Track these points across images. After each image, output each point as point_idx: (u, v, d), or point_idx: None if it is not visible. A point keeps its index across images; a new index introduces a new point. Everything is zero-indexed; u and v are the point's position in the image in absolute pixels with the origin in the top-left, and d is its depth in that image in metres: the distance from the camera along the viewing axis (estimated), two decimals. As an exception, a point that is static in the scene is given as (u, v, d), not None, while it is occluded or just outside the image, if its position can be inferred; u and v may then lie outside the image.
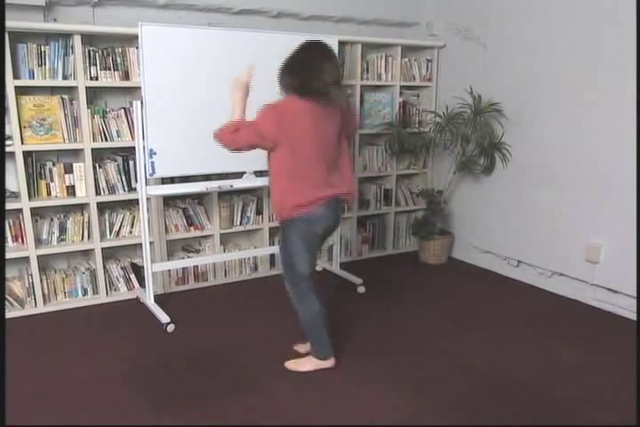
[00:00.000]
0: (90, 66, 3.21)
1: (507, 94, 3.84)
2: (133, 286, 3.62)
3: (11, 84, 3.00)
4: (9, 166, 3.19)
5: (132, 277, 3.61)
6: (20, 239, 3.29)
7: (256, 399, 2.43)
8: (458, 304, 3.53)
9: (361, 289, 3.72)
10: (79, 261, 3.60)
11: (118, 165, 3.44)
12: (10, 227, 3.25)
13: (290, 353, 2.84)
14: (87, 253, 3.59)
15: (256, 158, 3.37)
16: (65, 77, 3.18)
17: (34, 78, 3.11)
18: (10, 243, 3.27)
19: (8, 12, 2.77)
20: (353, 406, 2.38)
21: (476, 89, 3.92)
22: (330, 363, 2.67)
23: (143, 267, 3.35)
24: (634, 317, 3.26)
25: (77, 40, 3.12)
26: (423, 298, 3.63)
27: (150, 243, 3.32)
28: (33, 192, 3.24)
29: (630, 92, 3.09)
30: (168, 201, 3.68)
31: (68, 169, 3.32)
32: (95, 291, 3.52)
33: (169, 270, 3.68)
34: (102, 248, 3.45)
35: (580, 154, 3.44)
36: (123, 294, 3.60)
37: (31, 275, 3.29)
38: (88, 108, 3.24)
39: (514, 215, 3.95)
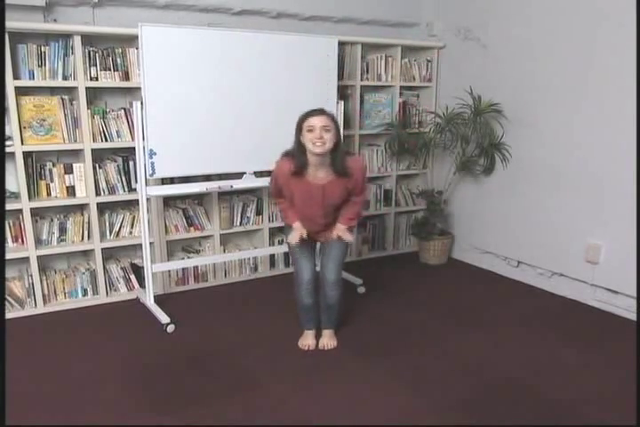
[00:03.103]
0: (90, 66, 3.21)
1: (507, 95, 3.84)
2: (133, 287, 3.62)
3: (11, 84, 3.01)
4: (9, 167, 3.19)
5: (132, 277, 3.61)
6: (19, 240, 3.29)
7: (256, 399, 2.42)
8: (458, 304, 3.53)
9: (361, 289, 3.72)
10: (79, 261, 3.60)
11: (118, 166, 3.44)
12: (10, 227, 3.25)
13: (290, 353, 2.85)
14: (87, 254, 3.59)
15: (256, 159, 3.39)
16: (65, 78, 3.18)
17: (34, 79, 3.11)
18: (10, 243, 3.27)
19: (8, 13, 2.77)
20: (353, 406, 2.38)
21: (476, 89, 3.92)
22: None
23: (143, 267, 3.35)
24: (634, 317, 3.26)
25: (77, 40, 3.12)
26: (423, 298, 3.63)
27: (150, 243, 3.32)
28: (33, 193, 3.24)
29: (630, 92, 3.09)
30: (168, 201, 3.68)
31: (68, 169, 3.32)
32: (95, 291, 3.52)
33: (169, 271, 3.68)
34: (102, 249, 3.45)
35: (581, 154, 3.44)
36: (123, 294, 3.60)
37: (31, 275, 3.29)
38: (88, 108, 3.24)
39: (514, 216, 3.95)
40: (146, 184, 3.16)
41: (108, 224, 3.50)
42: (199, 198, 3.81)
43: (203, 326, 3.18)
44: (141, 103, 3.01)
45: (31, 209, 3.21)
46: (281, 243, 4.02)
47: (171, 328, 3.10)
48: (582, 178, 3.46)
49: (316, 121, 2.49)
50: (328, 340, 2.94)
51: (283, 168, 2.64)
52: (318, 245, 2.97)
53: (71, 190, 3.35)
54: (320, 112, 2.53)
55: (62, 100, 3.22)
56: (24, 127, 3.12)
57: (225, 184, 3.40)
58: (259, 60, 3.26)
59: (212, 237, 3.79)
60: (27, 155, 3.17)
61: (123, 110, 3.37)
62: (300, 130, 2.54)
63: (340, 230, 2.77)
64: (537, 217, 3.78)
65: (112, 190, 3.45)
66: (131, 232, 3.57)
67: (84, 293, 3.50)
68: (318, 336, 2.96)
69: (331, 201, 2.69)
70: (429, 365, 2.74)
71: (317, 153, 2.51)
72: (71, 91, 3.26)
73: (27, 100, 3.12)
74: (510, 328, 3.17)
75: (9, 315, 3.26)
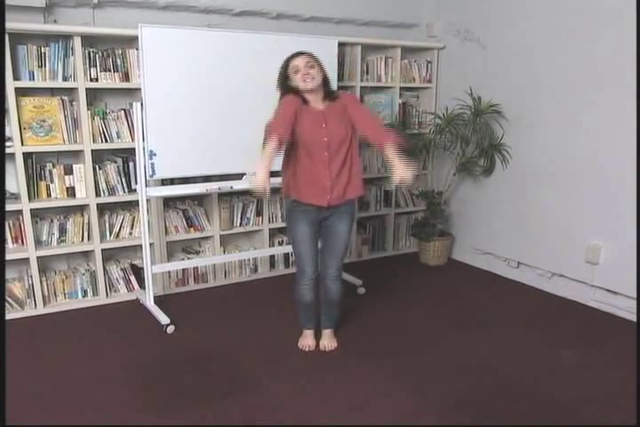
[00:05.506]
0: (90, 67, 3.22)
1: (506, 95, 3.84)
2: (133, 288, 3.62)
3: (11, 85, 3.01)
4: (9, 168, 3.19)
5: (132, 278, 3.61)
6: (19, 241, 3.29)
7: (256, 399, 2.42)
8: (458, 305, 3.52)
9: (361, 290, 3.71)
10: (79, 262, 3.60)
11: (118, 167, 3.44)
12: (10, 228, 3.25)
13: (290, 353, 2.85)
14: (87, 255, 3.59)
15: (256, 160, 3.39)
16: (65, 79, 3.18)
17: (34, 80, 3.11)
18: (10, 244, 3.27)
19: (8, 14, 2.77)
20: (353, 406, 2.38)
21: (476, 90, 3.92)
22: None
23: (143, 268, 3.35)
24: (633, 318, 3.25)
25: (77, 41, 3.12)
26: (423, 299, 3.63)
27: (150, 244, 3.32)
28: (33, 193, 3.24)
29: (630, 92, 3.09)
30: (168, 202, 3.68)
31: (68, 170, 3.32)
32: (95, 292, 3.52)
33: (169, 272, 3.68)
34: (102, 249, 3.45)
35: (580, 155, 3.44)
36: (122, 295, 3.60)
37: (31, 276, 3.29)
38: (88, 109, 3.24)
39: (514, 216, 3.95)
40: (146, 185, 3.16)
41: (107, 225, 3.50)
42: (199, 199, 3.82)
43: (203, 326, 3.18)
44: (141, 104, 3.01)
45: (31, 210, 3.21)
46: (281, 244, 4.02)
47: (171, 329, 3.09)
48: (582, 179, 3.46)
49: (299, 61, 2.56)
50: (328, 341, 2.93)
51: (291, 96, 2.58)
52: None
53: (71, 191, 3.35)
54: (298, 53, 2.60)
55: (62, 100, 3.22)
56: (24, 128, 3.12)
57: (225, 185, 3.41)
58: (259, 61, 3.26)
59: (212, 238, 3.79)
60: (27, 156, 3.17)
61: (123, 111, 3.38)
62: (285, 78, 2.60)
63: (396, 163, 2.38)
64: (537, 218, 3.78)
65: (112, 191, 3.45)
66: (131, 233, 3.57)
67: (84, 294, 3.50)
68: (318, 336, 2.95)
69: (334, 132, 2.61)
70: (429, 365, 2.74)
71: (310, 88, 2.55)
72: (71, 92, 3.26)
73: (27, 101, 3.12)
74: (510, 329, 3.17)
75: (9, 316, 3.25)
